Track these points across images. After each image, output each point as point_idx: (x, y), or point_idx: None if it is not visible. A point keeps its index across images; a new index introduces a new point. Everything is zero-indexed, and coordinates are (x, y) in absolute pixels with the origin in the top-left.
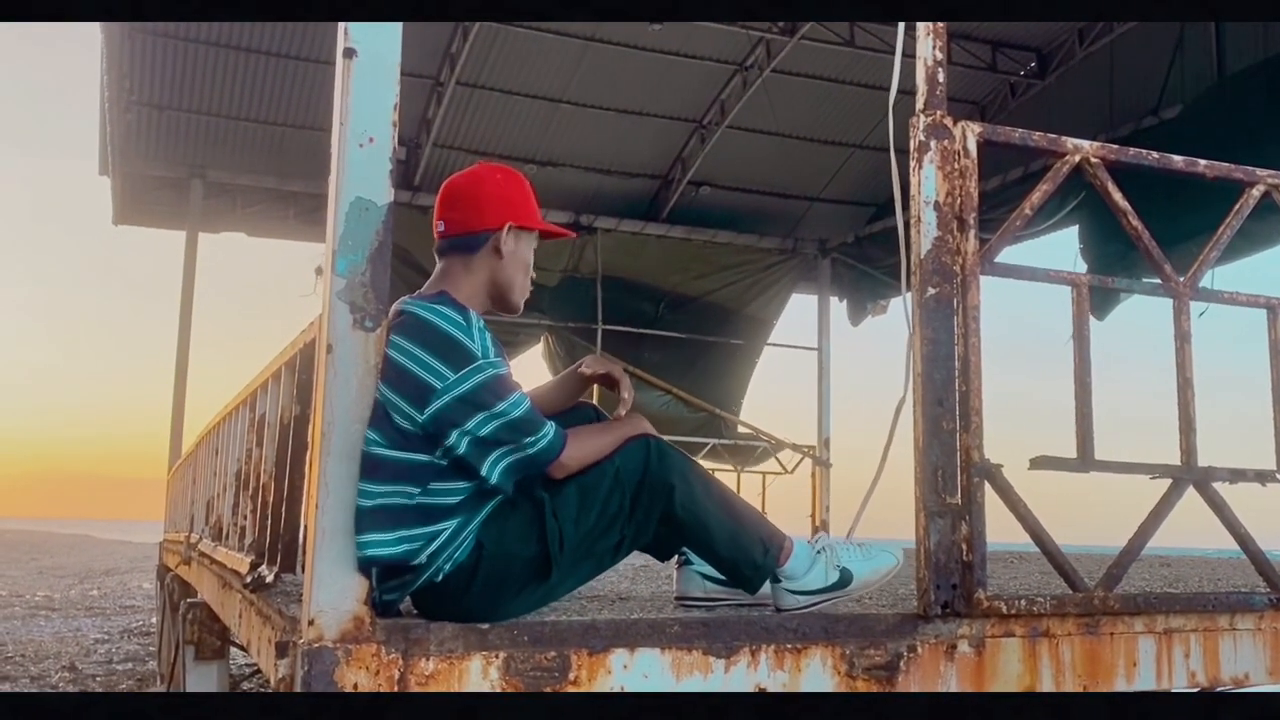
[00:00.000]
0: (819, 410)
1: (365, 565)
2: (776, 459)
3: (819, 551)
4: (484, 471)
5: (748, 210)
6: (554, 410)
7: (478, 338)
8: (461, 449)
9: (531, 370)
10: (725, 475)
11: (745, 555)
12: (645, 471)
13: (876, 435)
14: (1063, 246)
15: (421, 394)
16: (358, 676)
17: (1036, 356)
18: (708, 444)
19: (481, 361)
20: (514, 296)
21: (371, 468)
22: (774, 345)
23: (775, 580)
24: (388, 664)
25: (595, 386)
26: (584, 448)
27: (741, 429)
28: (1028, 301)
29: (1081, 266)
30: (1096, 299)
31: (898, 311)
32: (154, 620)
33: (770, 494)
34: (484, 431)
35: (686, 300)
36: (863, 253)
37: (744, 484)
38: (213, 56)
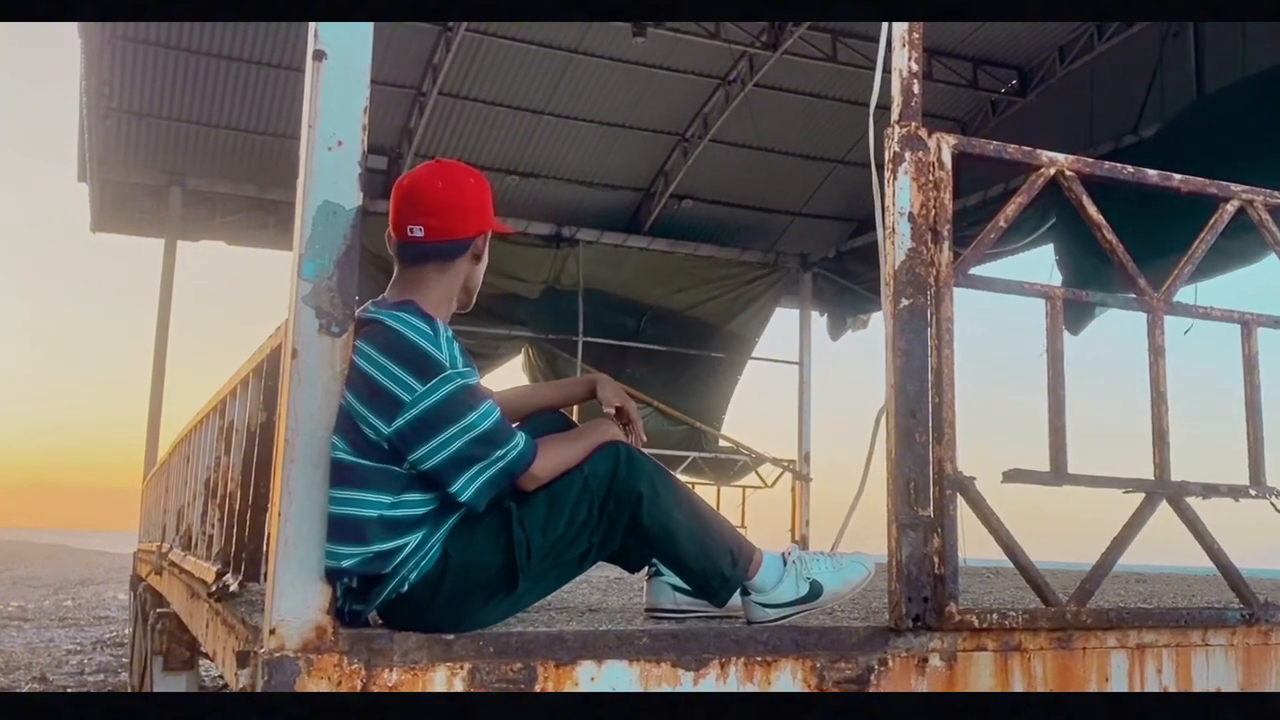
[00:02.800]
0: (799, 424)
1: (332, 575)
2: (757, 473)
3: (789, 564)
4: (454, 489)
5: (730, 224)
6: (537, 409)
7: (445, 348)
8: (429, 465)
9: (511, 383)
10: (705, 490)
11: (713, 567)
12: (614, 479)
13: (857, 450)
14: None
15: (389, 406)
16: (319, 687)
17: (1020, 369)
18: (688, 457)
19: (450, 372)
20: (474, 296)
21: (341, 475)
22: (755, 359)
23: (745, 593)
24: (350, 674)
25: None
26: (555, 458)
27: (722, 443)
28: (1011, 314)
29: (1058, 279)
30: (1071, 314)
31: (879, 326)
32: (127, 631)
33: (750, 508)
34: (454, 447)
35: (668, 313)
36: (844, 267)
37: (724, 498)
38: (193, 63)
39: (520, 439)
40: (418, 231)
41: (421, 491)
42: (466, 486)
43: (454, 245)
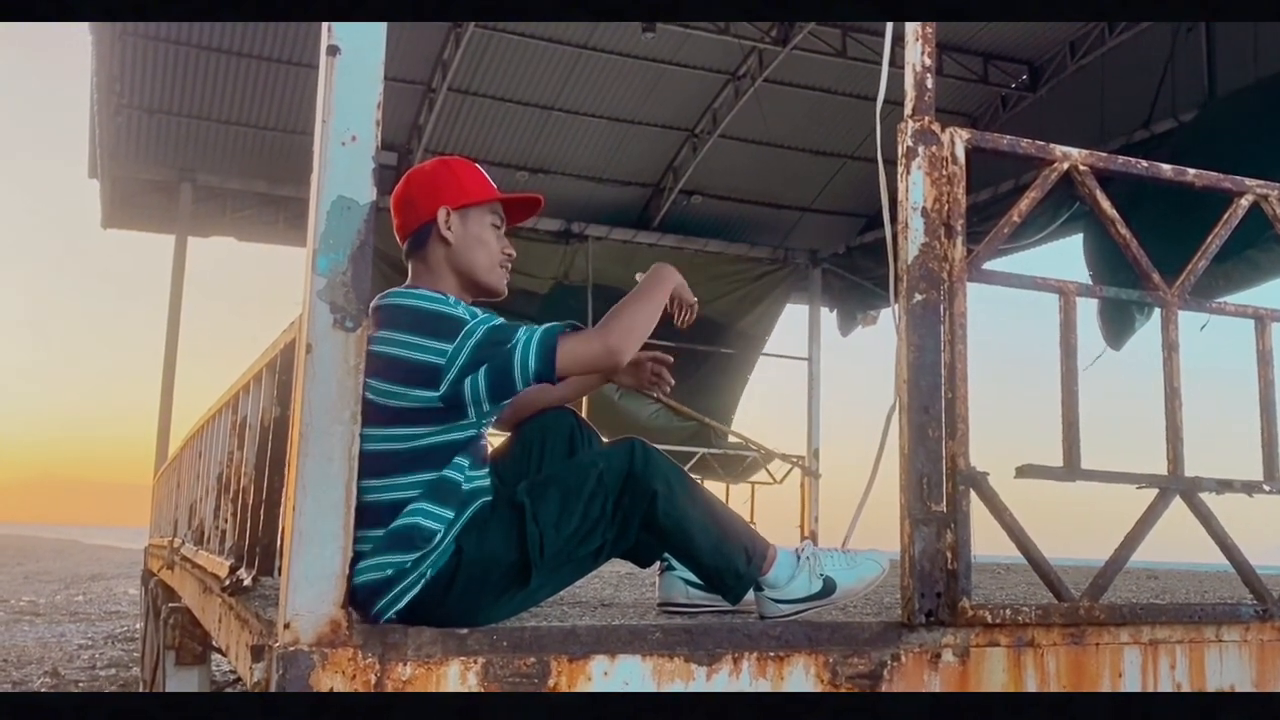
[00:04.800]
0: (809, 421)
1: (358, 558)
2: (766, 469)
3: (801, 560)
4: (516, 380)
5: (739, 220)
6: (547, 404)
7: (462, 308)
8: (484, 388)
9: None
10: (714, 486)
11: (728, 564)
12: (629, 475)
13: (866, 446)
14: (1061, 259)
15: (429, 375)
16: (334, 681)
17: (1031, 365)
18: (697, 454)
19: (472, 323)
20: (481, 277)
21: (376, 464)
22: (765, 355)
23: (759, 589)
24: (364, 668)
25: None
26: (627, 321)
27: (731, 439)
28: (1026, 309)
29: (1067, 275)
30: (1113, 327)
31: (888, 322)
32: (138, 626)
33: (759, 504)
34: (496, 362)
35: None
36: (853, 263)
37: (733, 494)
38: (203, 60)
39: (543, 328)
40: (398, 236)
41: (458, 469)
42: (523, 372)
43: (416, 235)
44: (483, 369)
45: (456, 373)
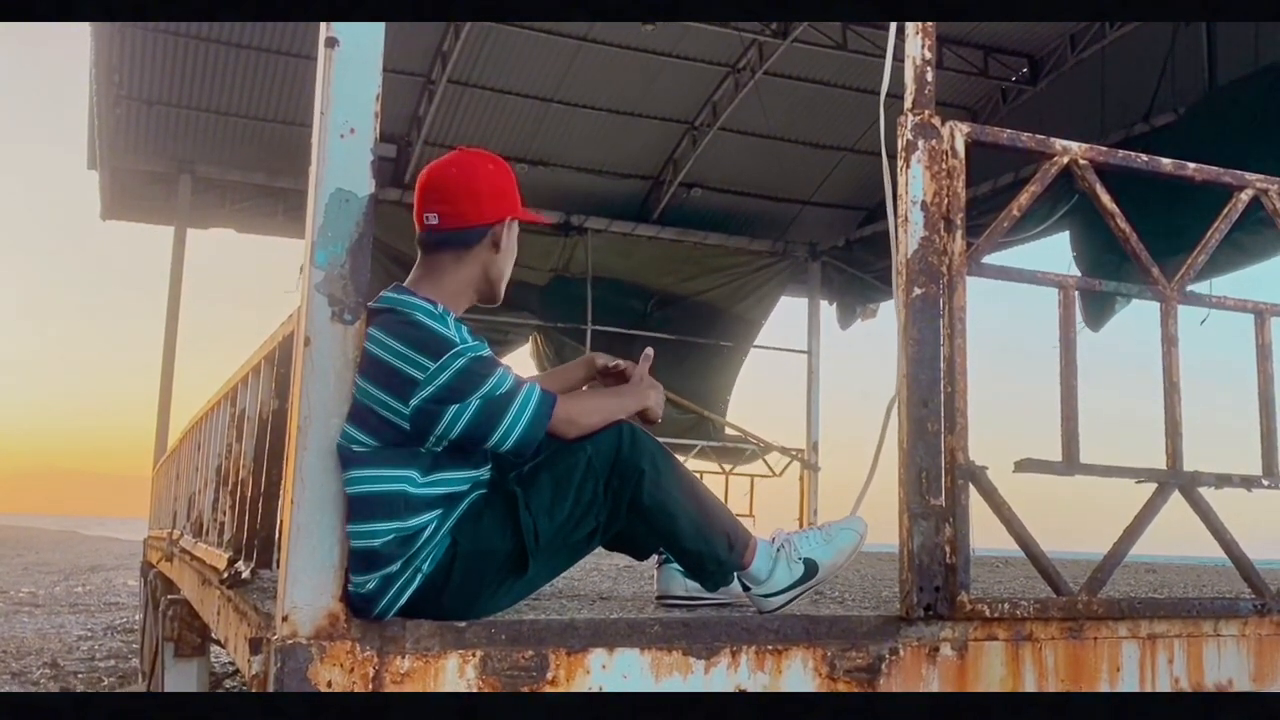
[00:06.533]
0: (808, 413)
1: (359, 555)
2: (764, 461)
3: (777, 549)
4: (493, 443)
5: (739, 212)
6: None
7: (453, 327)
8: (456, 433)
9: (520, 370)
10: (713, 478)
11: (709, 549)
12: (617, 456)
13: (866, 440)
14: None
15: (405, 386)
16: (332, 674)
17: (1031, 359)
18: (696, 446)
19: (460, 347)
20: (502, 287)
21: (362, 458)
22: (764, 348)
23: (745, 587)
24: (362, 662)
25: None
26: (594, 406)
27: (730, 431)
28: (1024, 303)
29: (1073, 271)
30: (1092, 309)
31: (888, 315)
32: (138, 618)
33: (758, 497)
34: (473, 409)
35: (675, 298)
36: (853, 256)
37: (732, 486)
38: (203, 51)
39: (535, 386)
40: (432, 219)
41: (445, 470)
42: (505, 437)
43: (469, 232)
44: (470, 410)
45: (433, 390)
